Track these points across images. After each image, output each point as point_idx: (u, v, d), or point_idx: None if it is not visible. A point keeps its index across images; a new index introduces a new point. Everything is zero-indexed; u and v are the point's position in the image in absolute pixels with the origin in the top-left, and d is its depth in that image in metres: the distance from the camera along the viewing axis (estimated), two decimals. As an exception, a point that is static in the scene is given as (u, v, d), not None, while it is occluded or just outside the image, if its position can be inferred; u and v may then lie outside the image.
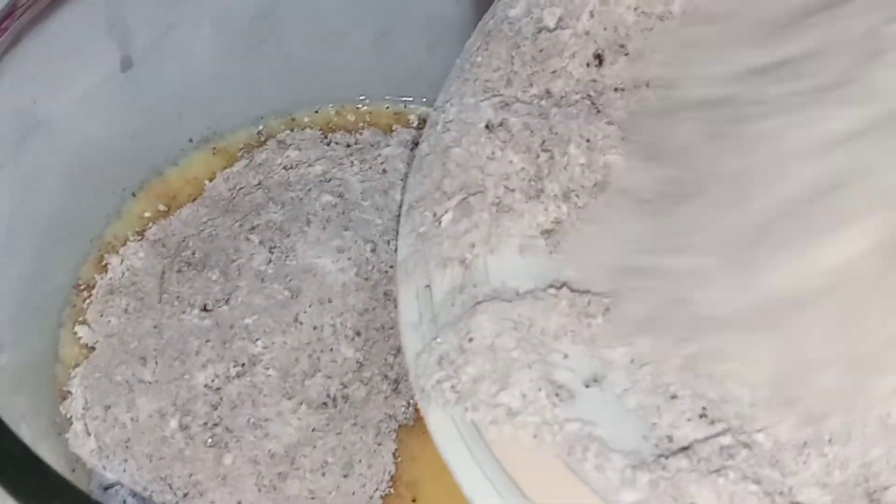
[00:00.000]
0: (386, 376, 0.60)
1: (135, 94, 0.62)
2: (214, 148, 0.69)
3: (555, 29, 0.50)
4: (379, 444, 0.59)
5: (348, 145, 0.69)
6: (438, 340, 0.44)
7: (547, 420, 0.41)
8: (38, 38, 0.54)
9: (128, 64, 0.61)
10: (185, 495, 0.56)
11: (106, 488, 0.57)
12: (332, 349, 0.59)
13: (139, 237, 0.65)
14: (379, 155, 0.68)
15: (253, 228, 0.63)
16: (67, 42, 0.56)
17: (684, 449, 0.39)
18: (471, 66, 0.49)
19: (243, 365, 0.58)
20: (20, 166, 0.57)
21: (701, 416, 0.40)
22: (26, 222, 0.58)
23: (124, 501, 0.57)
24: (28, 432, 0.51)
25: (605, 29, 0.52)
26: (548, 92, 0.50)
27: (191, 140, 0.68)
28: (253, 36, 0.66)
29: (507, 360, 0.42)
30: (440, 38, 0.59)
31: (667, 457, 0.39)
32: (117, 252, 0.64)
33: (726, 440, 0.39)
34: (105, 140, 0.62)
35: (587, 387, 0.42)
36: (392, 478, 0.59)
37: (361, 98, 0.71)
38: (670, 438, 0.40)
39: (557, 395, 0.41)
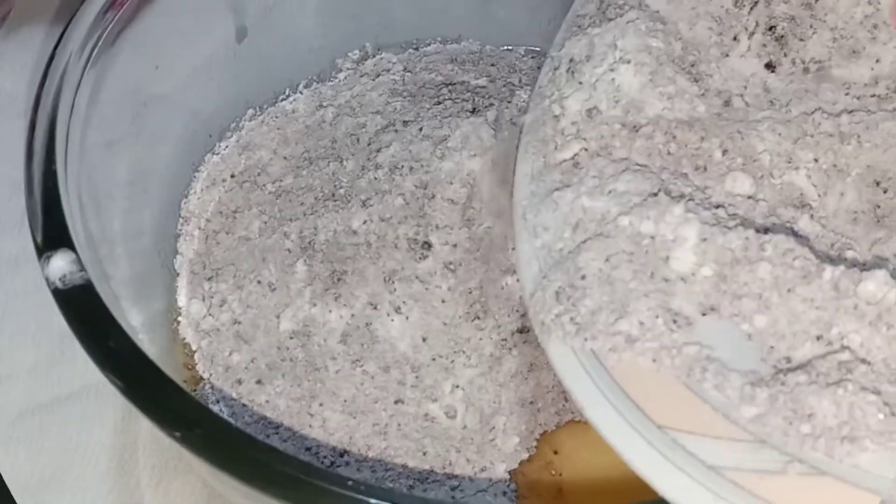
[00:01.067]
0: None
1: (244, 64, 0.64)
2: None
3: None
4: None
5: None
6: (549, 279, 0.45)
7: (665, 345, 0.42)
8: (156, 10, 0.55)
9: (243, 34, 0.62)
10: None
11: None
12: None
13: None
14: None
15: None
16: (185, 13, 0.58)
17: (802, 366, 0.40)
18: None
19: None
20: (138, 139, 0.58)
21: (818, 339, 0.41)
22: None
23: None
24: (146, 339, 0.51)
25: None
26: None
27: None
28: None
29: (625, 290, 0.43)
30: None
31: (785, 373, 0.40)
32: None
33: (844, 356, 0.40)
34: (213, 111, 0.64)
35: (704, 315, 0.43)
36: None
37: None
38: (788, 360, 0.41)
39: (675, 321, 0.42)
